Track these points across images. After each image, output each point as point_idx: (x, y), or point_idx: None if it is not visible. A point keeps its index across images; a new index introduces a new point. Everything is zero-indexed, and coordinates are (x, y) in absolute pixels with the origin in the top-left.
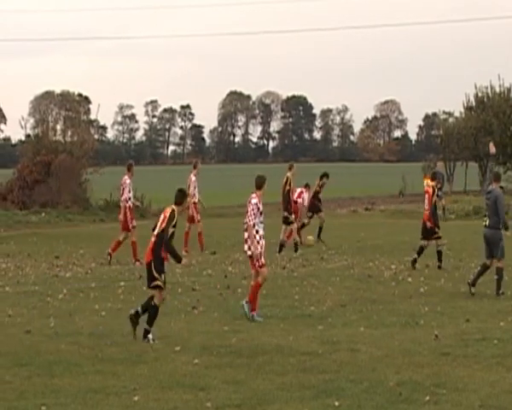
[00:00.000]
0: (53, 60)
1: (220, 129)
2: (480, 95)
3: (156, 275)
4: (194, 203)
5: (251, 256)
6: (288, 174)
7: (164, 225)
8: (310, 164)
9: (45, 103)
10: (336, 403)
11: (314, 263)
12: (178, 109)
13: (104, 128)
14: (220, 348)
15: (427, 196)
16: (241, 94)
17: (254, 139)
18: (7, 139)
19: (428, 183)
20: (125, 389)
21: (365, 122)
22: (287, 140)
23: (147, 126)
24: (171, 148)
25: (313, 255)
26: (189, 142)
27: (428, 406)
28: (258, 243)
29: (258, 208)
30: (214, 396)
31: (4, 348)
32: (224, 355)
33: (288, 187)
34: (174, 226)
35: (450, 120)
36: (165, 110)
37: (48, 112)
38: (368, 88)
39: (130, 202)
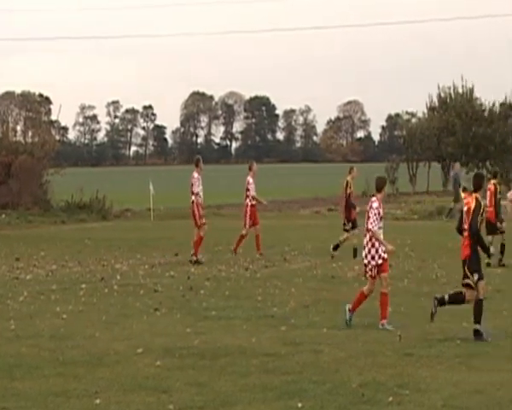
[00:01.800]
0: (13, 60)
1: (183, 130)
2: (442, 95)
3: (468, 273)
4: (252, 206)
5: (365, 264)
6: (348, 178)
7: (471, 216)
8: (273, 165)
9: (5, 104)
10: (299, 404)
11: (277, 264)
12: (140, 110)
13: (65, 129)
14: (183, 349)
15: (489, 193)
16: (203, 94)
17: (217, 140)
18: None
19: (491, 181)
20: (87, 392)
21: (328, 123)
22: (250, 141)
23: (108, 127)
24: (133, 149)
25: (276, 256)
26: (151, 142)
27: (391, 406)
28: (372, 250)
29: (379, 213)
30: (177, 398)
31: None
32: (186, 357)
33: (348, 190)
34: (482, 215)
35: (413, 120)
36: (127, 111)
37: (8, 112)
38: (331, 88)
39: (199, 197)
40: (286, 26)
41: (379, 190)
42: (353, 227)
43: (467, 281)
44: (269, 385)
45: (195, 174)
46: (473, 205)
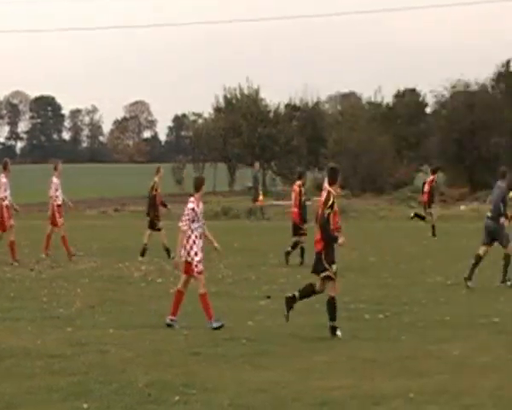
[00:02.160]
0: None
1: None
2: (228, 96)
3: (326, 266)
4: (58, 206)
5: (189, 262)
6: (156, 178)
7: (321, 208)
8: None
9: None
10: (85, 405)
11: (63, 264)
12: None
13: None
14: None
15: (293, 194)
16: None
17: (2, 140)
18: None
19: (296, 182)
20: None
21: (115, 123)
22: (35, 141)
23: None
24: None
25: (62, 257)
26: None
27: (178, 406)
28: (194, 248)
29: (196, 213)
30: None
31: None
32: None
33: (154, 192)
34: (331, 207)
35: (200, 121)
36: None
37: None
38: (117, 88)
39: (6, 201)
40: (69, 26)
41: (197, 189)
42: (158, 229)
43: (326, 273)
44: (54, 386)
45: (3, 179)
46: (324, 198)
